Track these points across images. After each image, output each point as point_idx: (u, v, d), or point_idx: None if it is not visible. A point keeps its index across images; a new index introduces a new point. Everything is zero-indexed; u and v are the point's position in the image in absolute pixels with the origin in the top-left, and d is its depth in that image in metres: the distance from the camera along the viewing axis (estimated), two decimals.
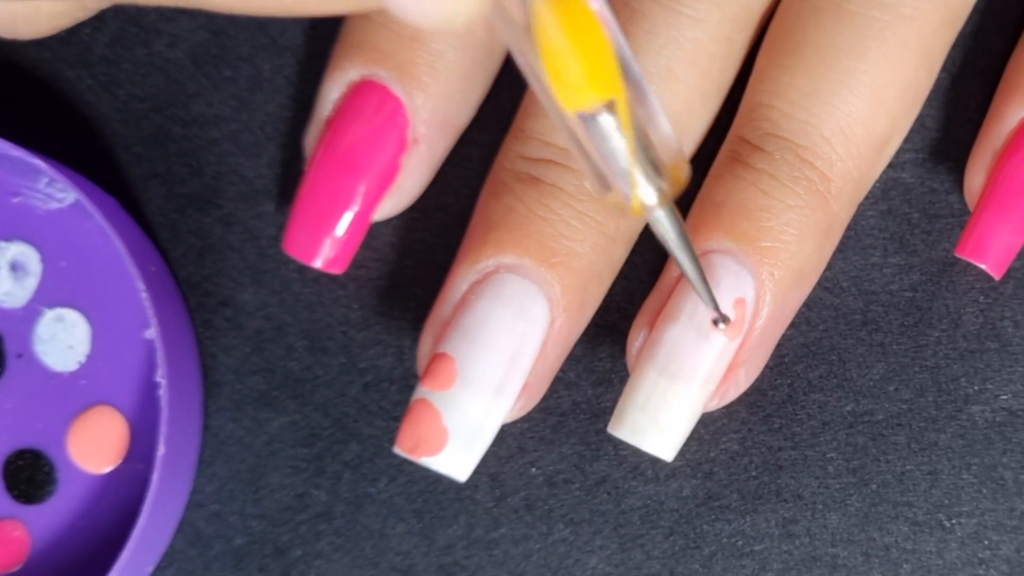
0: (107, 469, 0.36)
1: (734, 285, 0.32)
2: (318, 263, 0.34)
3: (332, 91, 0.34)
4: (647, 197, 0.27)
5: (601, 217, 0.32)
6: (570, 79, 0.25)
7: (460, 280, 0.32)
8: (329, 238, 0.34)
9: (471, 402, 0.31)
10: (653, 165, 0.27)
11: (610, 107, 0.26)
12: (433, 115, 0.33)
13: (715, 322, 0.31)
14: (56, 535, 0.36)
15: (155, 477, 0.33)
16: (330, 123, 0.34)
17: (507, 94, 0.35)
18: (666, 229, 0.28)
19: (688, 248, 0.29)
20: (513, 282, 0.32)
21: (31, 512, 0.36)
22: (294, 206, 0.34)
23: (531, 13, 0.25)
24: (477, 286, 0.32)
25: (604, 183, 0.27)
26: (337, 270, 0.34)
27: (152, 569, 0.36)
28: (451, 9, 0.23)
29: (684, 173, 0.28)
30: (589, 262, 0.32)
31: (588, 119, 0.26)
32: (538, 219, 0.32)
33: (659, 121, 0.27)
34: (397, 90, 0.33)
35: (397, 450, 0.31)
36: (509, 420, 0.32)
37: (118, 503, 0.36)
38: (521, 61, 0.26)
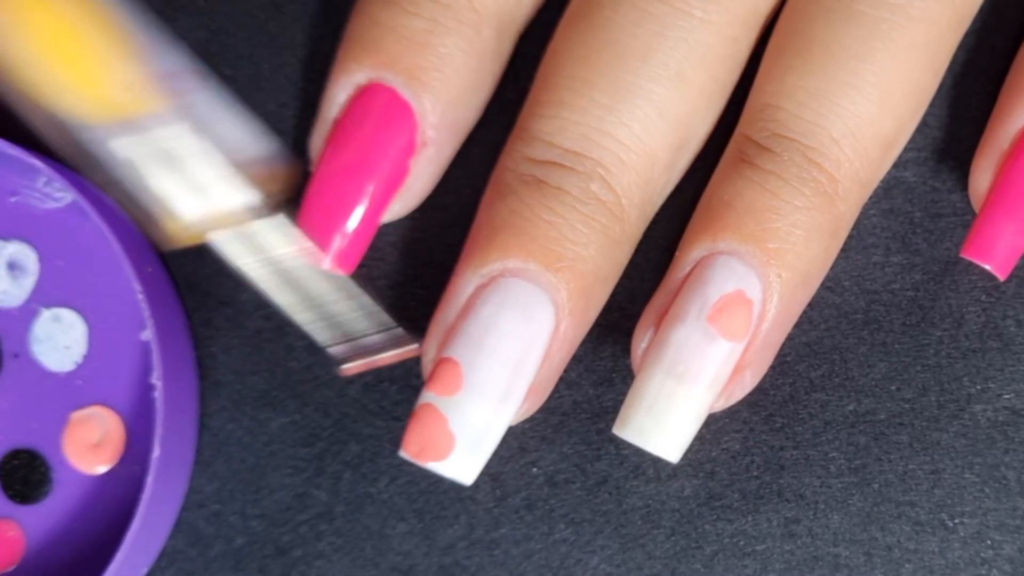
0: (102, 469, 0.36)
1: (725, 280, 0.31)
2: (325, 265, 0.34)
3: (339, 93, 0.33)
4: (190, 220, 0.26)
5: (606, 220, 0.32)
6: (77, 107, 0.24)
7: (465, 284, 0.32)
8: (337, 240, 0.33)
9: (477, 407, 0.31)
10: (208, 184, 0.25)
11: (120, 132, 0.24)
12: (442, 118, 0.33)
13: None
14: (51, 535, 0.36)
15: (150, 478, 0.33)
16: (338, 125, 0.33)
17: (509, 91, 0.35)
18: (226, 255, 0.27)
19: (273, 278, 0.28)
20: (519, 286, 0.31)
21: (26, 512, 0.36)
22: (301, 208, 0.34)
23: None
24: (482, 290, 0.32)
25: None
26: (345, 271, 0.34)
27: (147, 570, 0.36)
28: None
29: (276, 181, 0.27)
30: (594, 265, 0.32)
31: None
32: (543, 223, 0.32)
33: (222, 128, 0.26)
34: (406, 94, 0.33)
35: (402, 454, 0.31)
36: (514, 423, 0.32)
37: (113, 504, 0.36)
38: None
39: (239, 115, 0.25)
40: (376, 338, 0.31)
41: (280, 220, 0.26)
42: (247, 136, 0.26)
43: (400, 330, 0.32)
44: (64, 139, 0.25)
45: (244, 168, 0.26)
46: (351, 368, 0.32)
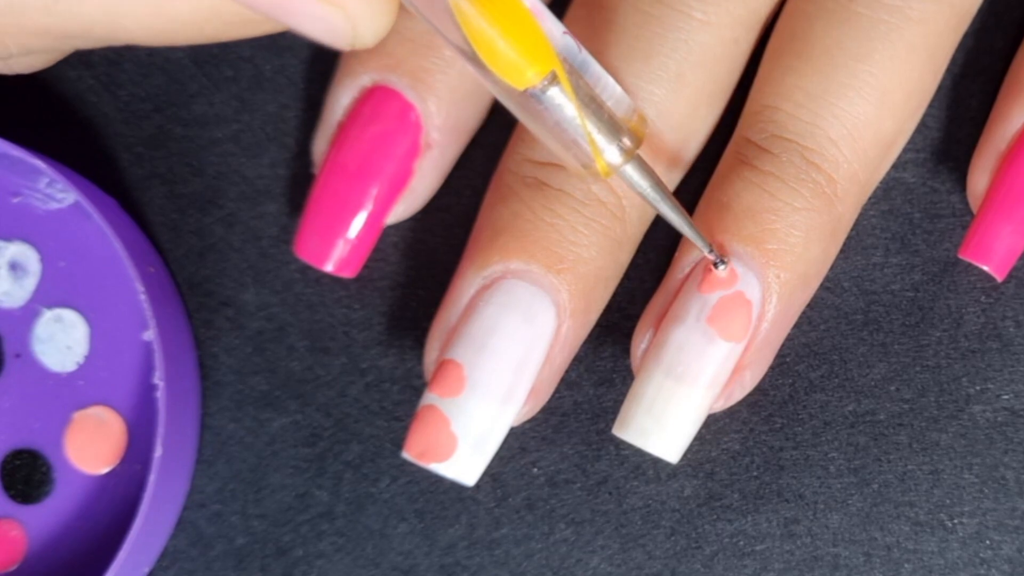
0: (104, 470, 0.36)
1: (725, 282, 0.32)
2: (329, 267, 0.34)
3: (343, 96, 0.33)
4: (611, 157, 0.29)
5: (607, 221, 0.32)
6: (505, 62, 0.27)
7: (467, 285, 0.32)
8: (341, 242, 0.33)
9: (479, 409, 0.31)
10: (610, 126, 0.29)
11: (552, 80, 0.27)
12: (446, 121, 0.33)
13: (714, 264, 0.31)
14: (53, 535, 0.36)
15: (152, 479, 0.33)
16: (342, 128, 0.33)
17: None
18: (638, 184, 0.30)
19: (667, 197, 0.30)
20: (520, 288, 0.32)
21: (28, 512, 0.36)
22: (305, 210, 0.34)
23: (452, 6, 0.26)
24: (484, 292, 0.32)
25: (572, 155, 0.29)
26: (349, 274, 0.34)
27: (148, 569, 0.36)
28: (362, 29, 0.26)
29: (643, 125, 0.29)
30: (596, 267, 0.32)
31: (535, 95, 0.28)
32: (545, 225, 0.32)
33: (606, 82, 0.29)
34: (411, 96, 0.33)
35: (405, 455, 0.31)
36: (516, 424, 0.32)
37: (115, 504, 0.36)
38: (460, 54, 0.27)
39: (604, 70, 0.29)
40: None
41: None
42: (618, 88, 0.29)
43: None
44: (502, 91, 0.28)
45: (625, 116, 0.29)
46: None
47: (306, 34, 0.27)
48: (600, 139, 0.28)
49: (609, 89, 0.29)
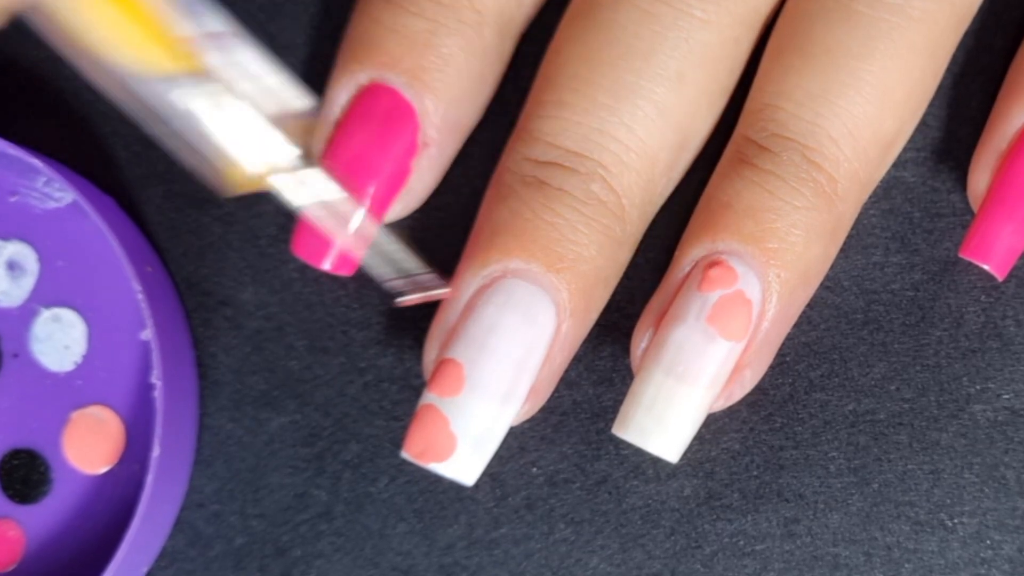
0: (102, 469, 0.36)
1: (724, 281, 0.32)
2: (327, 265, 0.34)
3: (340, 94, 0.33)
4: (251, 167, 0.28)
5: (607, 220, 0.32)
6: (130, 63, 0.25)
7: (466, 285, 0.32)
8: (339, 241, 0.33)
9: (479, 409, 0.31)
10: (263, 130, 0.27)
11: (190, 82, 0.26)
12: (444, 119, 0.33)
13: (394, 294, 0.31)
14: (51, 535, 0.36)
15: (150, 479, 0.33)
16: (339, 126, 0.33)
17: (509, 91, 0.35)
18: (283, 195, 0.29)
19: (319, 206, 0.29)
20: (520, 287, 0.32)
21: (26, 512, 0.36)
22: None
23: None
24: (484, 291, 0.32)
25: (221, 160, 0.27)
26: (346, 272, 0.34)
27: (147, 569, 0.36)
28: None
29: (304, 128, 0.28)
30: (596, 266, 0.32)
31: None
32: (545, 224, 0.32)
33: (263, 79, 0.28)
34: (408, 94, 0.33)
35: (404, 455, 0.31)
36: (515, 423, 0.32)
37: (113, 503, 0.36)
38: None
39: (278, 70, 0.28)
40: (428, 276, 0.32)
41: (321, 170, 0.28)
42: (286, 90, 0.28)
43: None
44: (123, 92, 0.26)
45: (286, 121, 0.28)
46: (407, 301, 0.32)
47: None
48: (233, 153, 0.27)
49: (266, 82, 0.27)
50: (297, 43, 0.36)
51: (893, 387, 0.35)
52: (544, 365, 0.32)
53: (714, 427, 0.35)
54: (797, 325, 0.35)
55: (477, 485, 0.35)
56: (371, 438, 0.36)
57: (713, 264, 0.31)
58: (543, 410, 0.35)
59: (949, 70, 0.35)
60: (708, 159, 0.34)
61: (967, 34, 0.35)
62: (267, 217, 0.36)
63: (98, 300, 0.36)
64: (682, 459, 0.33)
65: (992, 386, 0.35)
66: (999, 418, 0.35)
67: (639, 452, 0.34)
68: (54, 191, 0.36)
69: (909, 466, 0.35)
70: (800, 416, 0.35)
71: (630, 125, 0.32)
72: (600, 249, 0.32)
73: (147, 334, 0.35)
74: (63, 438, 0.36)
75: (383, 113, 0.33)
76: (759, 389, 0.34)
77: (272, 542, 0.36)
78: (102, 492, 0.36)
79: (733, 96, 0.34)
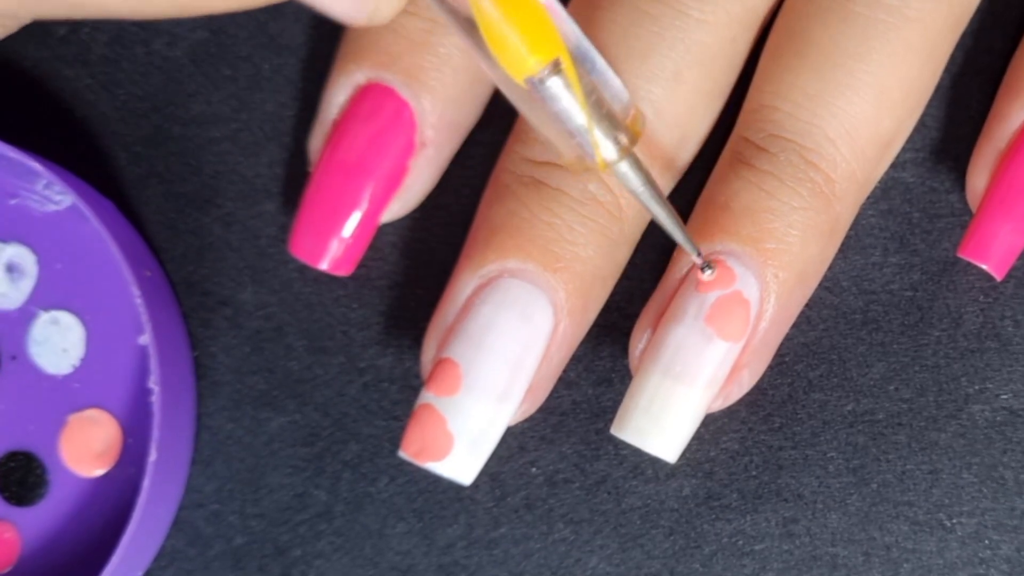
0: (99, 473, 0.36)
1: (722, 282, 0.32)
2: (324, 265, 0.34)
3: (338, 94, 0.33)
4: (607, 153, 0.29)
5: (605, 221, 0.32)
6: (511, 48, 0.27)
7: (463, 284, 0.32)
8: (336, 240, 0.33)
9: (476, 408, 0.31)
10: (609, 120, 0.29)
11: (555, 69, 0.28)
12: (441, 119, 0.33)
13: (701, 268, 0.31)
14: (47, 538, 0.36)
15: (146, 483, 0.33)
16: (337, 126, 0.33)
17: None
18: (632, 181, 0.30)
19: (658, 197, 0.30)
20: (517, 287, 0.32)
21: (22, 514, 0.36)
22: (300, 208, 0.34)
23: None
24: (481, 291, 0.32)
25: (568, 148, 0.29)
26: (344, 272, 0.34)
27: (142, 573, 0.36)
28: (372, 7, 0.26)
29: (641, 124, 0.30)
30: (593, 266, 0.32)
31: (536, 84, 0.28)
32: (542, 224, 0.32)
33: (608, 77, 0.29)
34: (406, 94, 0.33)
35: (402, 454, 0.31)
36: (513, 423, 0.32)
37: (109, 507, 0.36)
38: (466, 40, 0.28)
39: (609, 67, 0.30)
40: None
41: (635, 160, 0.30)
42: (614, 79, 0.30)
43: None
44: (503, 81, 0.28)
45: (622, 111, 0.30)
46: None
47: (322, 8, 0.26)
48: (598, 134, 0.29)
49: (610, 84, 0.29)
50: (297, 43, 0.37)
51: (892, 387, 0.35)
52: (541, 365, 0.32)
53: (713, 427, 0.35)
54: (796, 325, 0.35)
55: (476, 485, 0.35)
56: (371, 438, 0.36)
57: (711, 264, 0.31)
58: (542, 410, 0.35)
59: (947, 70, 0.35)
60: (706, 160, 0.34)
61: (965, 34, 0.35)
62: (267, 217, 0.36)
63: (97, 303, 0.36)
64: (681, 459, 0.33)
65: (991, 386, 0.35)
66: (997, 418, 0.35)
67: (638, 452, 0.34)
68: (54, 194, 0.36)
69: (908, 466, 0.35)
70: (799, 416, 0.35)
71: None
72: (597, 249, 0.32)
73: (145, 338, 0.35)
74: (60, 441, 0.36)
75: (380, 113, 0.33)
76: (758, 389, 0.34)
77: (271, 542, 0.36)
78: (98, 495, 0.36)
79: (731, 96, 0.34)
